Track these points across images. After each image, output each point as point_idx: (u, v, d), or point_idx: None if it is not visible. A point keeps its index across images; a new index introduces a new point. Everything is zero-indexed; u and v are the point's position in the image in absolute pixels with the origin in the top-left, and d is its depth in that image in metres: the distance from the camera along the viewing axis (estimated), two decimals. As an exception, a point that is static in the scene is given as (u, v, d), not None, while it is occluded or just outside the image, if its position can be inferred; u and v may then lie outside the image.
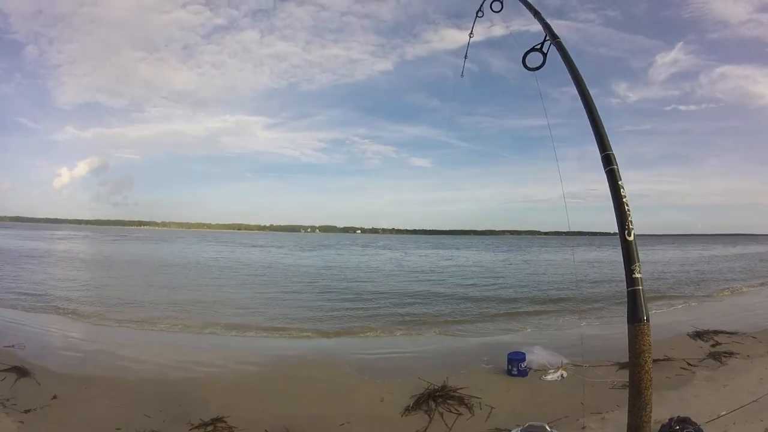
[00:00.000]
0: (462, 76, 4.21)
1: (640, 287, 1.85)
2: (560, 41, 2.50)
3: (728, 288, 16.93)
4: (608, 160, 2.08)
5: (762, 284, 17.73)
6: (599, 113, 2.22)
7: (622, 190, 1.99)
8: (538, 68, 2.64)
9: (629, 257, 1.88)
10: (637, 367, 1.85)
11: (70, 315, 10.49)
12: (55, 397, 4.87)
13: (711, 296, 14.90)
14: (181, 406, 4.79)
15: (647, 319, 1.84)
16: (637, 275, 1.85)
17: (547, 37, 2.56)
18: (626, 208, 1.95)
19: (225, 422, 4.35)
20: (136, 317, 10.46)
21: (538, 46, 2.60)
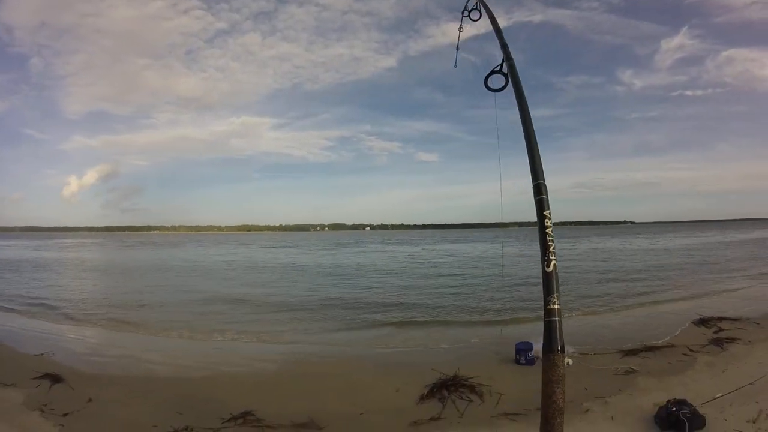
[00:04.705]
0: (455, 66, 4.10)
1: (557, 318, 1.84)
2: (513, 63, 2.50)
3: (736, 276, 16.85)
4: (538, 190, 2.11)
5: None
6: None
7: (547, 220, 1.98)
8: (501, 89, 2.58)
9: (548, 288, 1.86)
10: (545, 397, 1.79)
11: (92, 323, 10.78)
12: (90, 400, 5.13)
13: (718, 284, 14.91)
14: (208, 403, 5.06)
15: (561, 350, 1.84)
16: (554, 306, 1.83)
17: (505, 59, 2.52)
18: (548, 239, 1.94)
19: (254, 415, 4.63)
20: (156, 322, 10.77)
21: (498, 69, 2.57)
